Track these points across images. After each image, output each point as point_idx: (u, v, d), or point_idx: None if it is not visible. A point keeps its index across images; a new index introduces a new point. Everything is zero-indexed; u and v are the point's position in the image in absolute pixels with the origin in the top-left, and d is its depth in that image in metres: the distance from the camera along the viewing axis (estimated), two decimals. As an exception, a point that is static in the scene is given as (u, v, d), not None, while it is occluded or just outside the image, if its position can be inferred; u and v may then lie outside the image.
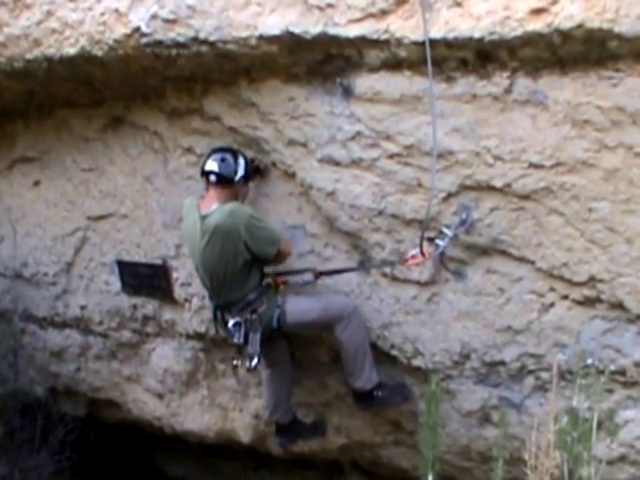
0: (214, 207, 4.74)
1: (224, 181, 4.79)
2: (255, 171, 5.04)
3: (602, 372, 3.59)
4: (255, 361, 4.84)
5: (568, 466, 3.41)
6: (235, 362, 5.04)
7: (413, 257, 4.53)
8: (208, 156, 4.89)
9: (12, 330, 6.83)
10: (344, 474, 6.42)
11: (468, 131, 4.31)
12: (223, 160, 4.81)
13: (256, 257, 4.76)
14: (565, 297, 4.38)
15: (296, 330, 5.07)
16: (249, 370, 4.94)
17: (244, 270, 4.78)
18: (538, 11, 3.85)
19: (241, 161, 4.84)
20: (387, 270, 4.85)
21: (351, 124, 4.63)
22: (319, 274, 4.99)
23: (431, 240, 4.53)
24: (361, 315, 4.95)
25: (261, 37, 4.53)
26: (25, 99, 6.03)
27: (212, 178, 4.80)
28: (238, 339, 4.84)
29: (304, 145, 4.81)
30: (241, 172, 4.81)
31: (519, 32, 3.91)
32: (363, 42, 4.35)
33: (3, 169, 6.74)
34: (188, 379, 6.21)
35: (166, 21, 4.71)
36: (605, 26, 3.72)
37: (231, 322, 4.85)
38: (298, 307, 4.93)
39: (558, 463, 3.39)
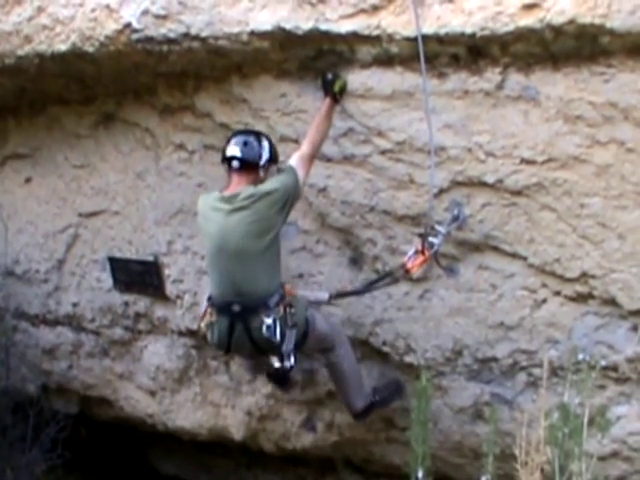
0: (241, 187, 4.42)
1: (248, 166, 4.47)
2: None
3: (594, 368, 3.59)
4: (292, 360, 4.43)
5: (559, 462, 3.41)
6: (276, 364, 4.51)
7: (413, 260, 4.51)
8: (229, 140, 4.56)
9: (4, 327, 6.79)
10: (336, 471, 6.41)
11: (460, 127, 4.32)
12: (246, 144, 4.50)
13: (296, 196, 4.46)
14: (557, 293, 4.38)
15: (310, 343, 4.68)
16: (285, 371, 4.48)
17: (268, 257, 4.40)
18: (530, 6, 3.86)
19: (265, 143, 4.53)
20: (380, 267, 4.84)
21: (343, 120, 4.62)
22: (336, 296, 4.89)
23: (421, 236, 4.52)
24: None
25: (252, 33, 4.53)
26: (16, 96, 6.01)
27: (235, 164, 4.47)
28: (275, 338, 4.34)
29: (296, 141, 4.79)
30: (266, 155, 4.50)
31: (511, 27, 3.91)
32: (355, 38, 4.35)
33: (-6, 166, 6.72)
34: (180, 376, 6.19)
35: (157, 17, 4.70)
36: (597, 21, 3.73)
37: (268, 321, 4.33)
38: (320, 320, 4.69)
39: (549, 459, 3.39)
